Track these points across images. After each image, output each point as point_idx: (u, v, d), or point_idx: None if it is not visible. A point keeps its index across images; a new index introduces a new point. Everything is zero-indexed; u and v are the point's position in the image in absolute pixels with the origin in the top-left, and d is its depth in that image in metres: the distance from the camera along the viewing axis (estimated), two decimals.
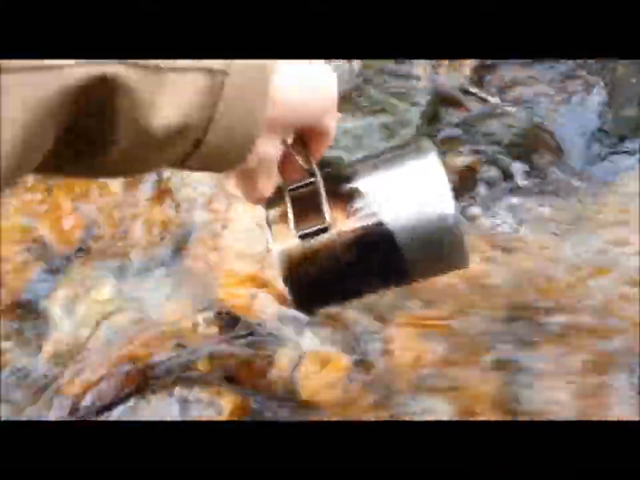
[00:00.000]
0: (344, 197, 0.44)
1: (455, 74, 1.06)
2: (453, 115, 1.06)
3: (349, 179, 0.44)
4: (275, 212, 0.45)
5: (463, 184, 0.98)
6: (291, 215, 0.43)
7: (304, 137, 0.41)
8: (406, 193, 0.44)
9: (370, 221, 0.43)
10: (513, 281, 0.90)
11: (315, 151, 0.42)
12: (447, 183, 0.43)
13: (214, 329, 0.95)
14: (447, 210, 0.43)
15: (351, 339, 0.93)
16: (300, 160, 0.42)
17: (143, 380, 0.89)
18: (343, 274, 0.44)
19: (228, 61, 0.31)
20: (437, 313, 0.93)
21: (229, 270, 0.99)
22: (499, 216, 0.94)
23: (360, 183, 0.44)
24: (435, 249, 0.44)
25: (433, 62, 1.06)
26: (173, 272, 1.01)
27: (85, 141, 0.30)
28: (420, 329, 0.91)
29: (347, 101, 1.05)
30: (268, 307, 0.95)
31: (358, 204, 0.44)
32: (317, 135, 0.41)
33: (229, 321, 0.96)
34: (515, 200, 0.96)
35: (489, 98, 1.06)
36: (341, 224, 0.43)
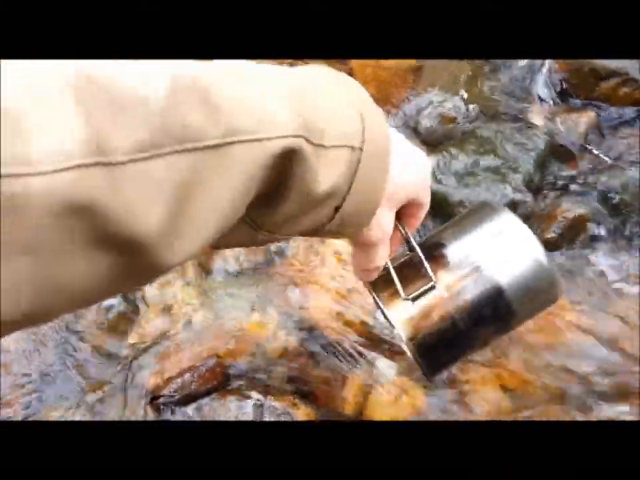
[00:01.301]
0: (438, 261, 0.47)
1: (574, 127, 1.04)
2: (563, 169, 1.04)
3: (438, 244, 0.48)
4: (379, 281, 0.48)
5: (571, 233, 0.96)
6: (397, 281, 0.46)
7: (403, 212, 0.45)
8: (501, 249, 0.47)
9: (479, 279, 0.46)
10: None
11: (412, 224, 0.47)
12: (529, 230, 0.47)
13: (295, 342, 0.96)
14: (539, 254, 0.46)
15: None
16: (402, 230, 0.46)
17: (224, 378, 0.91)
18: (459, 332, 0.47)
19: (362, 135, 0.36)
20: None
21: (320, 285, 1.00)
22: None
23: (452, 248, 0.48)
24: (537, 293, 0.47)
25: (553, 109, 1.06)
26: (264, 280, 1.04)
27: (260, 205, 0.35)
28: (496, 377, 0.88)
29: (460, 141, 1.06)
30: (351, 327, 0.95)
31: (458, 266, 0.47)
32: (416, 208, 0.45)
33: (310, 335, 0.97)
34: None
35: (604, 156, 1.03)
36: (446, 283, 0.46)
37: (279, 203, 0.35)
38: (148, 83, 0.29)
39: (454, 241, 0.48)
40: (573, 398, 0.82)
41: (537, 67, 1.11)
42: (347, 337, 0.96)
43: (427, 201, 0.46)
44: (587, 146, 1.04)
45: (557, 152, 1.04)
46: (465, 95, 1.11)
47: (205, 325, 0.99)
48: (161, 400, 0.89)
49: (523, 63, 1.11)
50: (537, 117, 1.06)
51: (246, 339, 0.97)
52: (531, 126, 1.05)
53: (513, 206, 0.98)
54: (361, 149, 0.36)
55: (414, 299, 0.46)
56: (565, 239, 0.97)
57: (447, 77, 1.15)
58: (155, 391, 0.90)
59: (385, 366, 0.94)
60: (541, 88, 1.10)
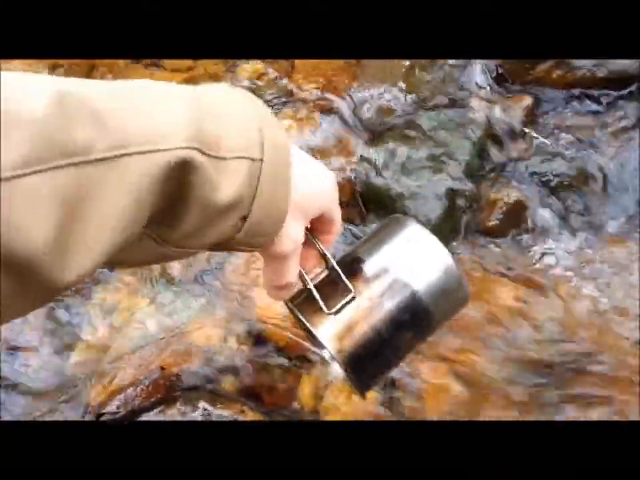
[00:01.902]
0: (357, 275, 0.49)
1: (510, 111, 1.04)
2: (502, 154, 1.04)
3: (354, 260, 0.50)
4: (299, 300, 0.49)
5: (513, 219, 0.96)
6: (318, 297, 0.48)
7: (315, 228, 0.47)
8: (413, 257, 0.50)
9: (395, 287, 0.48)
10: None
11: (326, 240, 0.48)
12: (436, 239, 0.50)
13: (244, 347, 0.95)
14: (448, 261, 0.50)
15: None
16: (318, 246, 0.48)
17: (170, 390, 0.89)
18: (384, 340, 0.48)
19: (261, 147, 0.38)
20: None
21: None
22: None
23: (367, 261, 0.50)
24: (449, 294, 0.50)
25: (490, 96, 1.06)
26: (210, 286, 1.02)
27: (161, 219, 0.35)
28: (448, 364, 0.89)
29: (399, 130, 1.05)
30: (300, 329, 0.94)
31: (375, 277, 0.49)
32: (329, 224, 0.47)
33: (260, 339, 0.95)
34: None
35: (543, 139, 1.04)
36: (365, 295, 0.48)
37: (181, 215, 0.35)
38: (32, 98, 0.29)
39: (369, 254, 0.50)
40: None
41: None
42: (297, 340, 0.96)
43: (337, 216, 0.47)
44: (525, 130, 1.04)
45: (495, 138, 1.04)
46: (404, 86, 1.10)
47: (150, 335, 0.97)
48: (105, 417, 0.87)
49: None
50: (474, 104, 1.06)
51: (192, 348, 0.95)
52: (468, 113, 1.05)
53: (453, 195, 0.98)
54: (261, 160, 0.37)
55: (336, 312, 0.47)
56: (506, 225, 0.97)
57: (385, 68, 1.14)
58: (99, 408, 0.88)
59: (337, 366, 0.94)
60: (477, 74, 1.09)
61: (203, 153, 0.34)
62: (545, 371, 0.85)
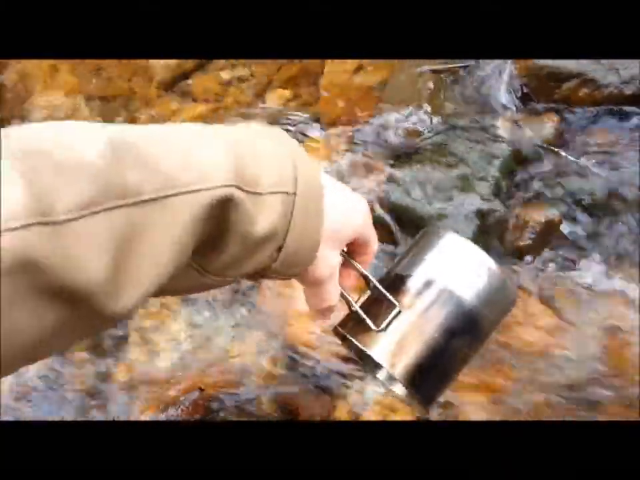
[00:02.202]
0: (399, 290, 0.49)
1: (538, 131, 1.05)
2: (530, 174, 1.05)
3: (395, 276, 0.51)
4: (347, 324, 0.50)
5: (545, 239, 0.96)
6: (364, 316, 0.48)
7: (352, 250, 0.49)
8: (454, 265, 0.50)
9: (441, 297, 0.49)
10: None
11: (364, 261, 0.50)
12: (474, 244, 0.50)
13: (279, 368, 0.97)
14: (490, 264, 0.49)
15: None
16: (356, 267, 0.50)
17: (208, 411, 0.91)
18: (439, 352, 0.48)
19: (295, 181, 0.40)
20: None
21: (300, 309, 1.01)
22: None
23: (409, 275, 0.50)
24: (495, 297, 0.50)
25: (516, 116, 1.07)
26: (246, 307, 1.04)
27: (204, 251, 0.38)
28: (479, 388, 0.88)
29: (426, 152, 1.07)
30: (336, 347, 0.95)
31: (419, 290, 0.49)
32: (364, 246, 0.49)
33: (294, 360, 0.97)
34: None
35: (570, 158, 1.04)
36: (412, 309, 0.48)
37: (222, 247, 0.38)
38: (85, 145, 0.32)
39: (409, 269, 0.50)
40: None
41: (497, 74, 1.12)
42: (333, 359, 0.97)
43: (373, 238, 0.49)
44: (553, 149, 1.05)
45: (523, 157, 1.05)
46: (429, 108, 1.12)
47: (187, 356, 0.99)
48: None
49: (483, 72, 1.12)
50: (500, 124, 1.07)
51: (229, 369, 0.97)
52: (495, 133, 1.06)
53: (483, 215, 0.99)
54: (295, 194, 0.40)
55: (385, 328, 0.47)
56: (538, 245, 0.97)
57: (410, 91, 1.16)
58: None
59: (373, 385, 0.94)
60: (502, 94, 1.11)
61: (242, 190, 0.37)
62: (576, 395, 0.84)
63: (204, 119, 1.37)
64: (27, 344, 0.31)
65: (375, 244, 0.49)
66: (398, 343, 0.48)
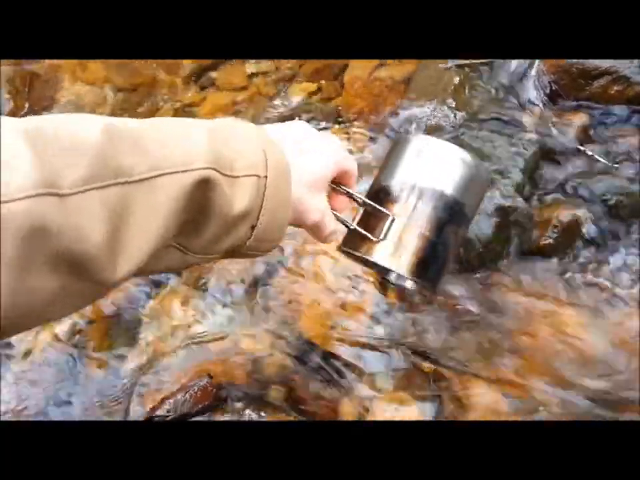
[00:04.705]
0: (387, 200, 0.56)
1: (566, 129, 1.02)
2: (556, 172, 1.02)
3: (379, 190, 0.57)
4: (349, 242, 0.57)
5: (568, 239, 0.94)
6: (363, 231, 0.55)
7: (338, 181, 0.56)
8: (430, 165, 0.55)
9: (424, 195, 0.55)
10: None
11: (350, 185, 0.57)
12: (443, 140, 0.57)
13: (290, 357, 0.96)
14: (463, 155, 0.56)
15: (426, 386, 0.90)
16: (345, 191, 0.56)
17: (217, 398, 0.91)
18: (435, 242, 0.55)
19: (266, 165, 0.46)
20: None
21: (313, 300, 1.00)
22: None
23: (391, 185, 0.56)
24: (473, 184, 0.56)
25: (544, 113, 1.04)
26: (259, 296, 1.04)
27: (186, 230, 0.42)
28: (500, 386, 0.86)
29: None
30: (346, 340, 0.94)
31: (404, 194, 0.55)
32: (347, 176, 0.56)
33: (305, 350, 0.96)
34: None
35: (598, 157, 1.01)
36: (403, 213, 0.55)
37: (203, 226, 0.43)
38: (86, 130, 0.36)
39: (390, 178, 0.57)
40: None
41: (525, 70, 1.09)
42: (343, 351, 0.95)
43: (351, 166, 0.56)
44: (580, 147, 1.02)
45: (549, 155, 1.02)
46: (453, 103, 1.10)
47: (198, 343, 0.99)
48: (156, 420, 0.89)
49: (511, 67, 1.10)
50: (527, 121, 1.05)
51: (239, 357, 0.96)
52: (521, 130, 1.04)
53: (505, 212, 0.96)
54: (266, 177, 0.46)
55: (384, 237, 0.54)
56: (560, 244, 0.94)
57: (435, 86, 1.15)
58: (151, 411, 0.91)
59: (383, 381, 0.93)
60: (530, 91, 1.08)
61: (220, 173, 0.42)
62: (597, 398, 0.82)
63: (227, 109, 1.37)
64: (39, 305, 0.35)
65: (354, 171, 0.56)
66: (397, 245, 0.54)
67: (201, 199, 0.41)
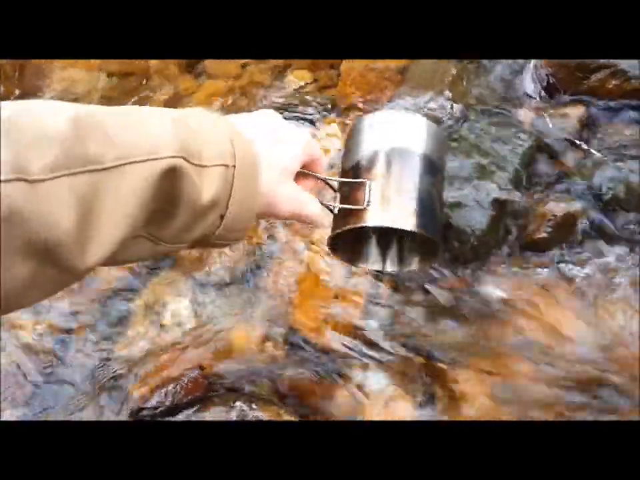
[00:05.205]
0: (360, 172, 0.58)
1: (562, 122, 1.01)
2: (552, 165, 1.02)
3: (350, 168, 0.60)
4: (339, 224, 0.58)
5: (562, 233, 0.93)
6: (349, 206, 0.57)
7: (307, 167, 0.57)
8: (394, 131, 0.59)
9: (396, 157, 0.58)
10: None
11: (319, 170, 0.59)
12: (408, 111, 0.64)
13: (282, 350, 0.95)
14: (411, 115, 0.64)
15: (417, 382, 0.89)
16: (317, 176, 0.58)
17: (208, 390, 0.90)
18: (420, 196, 0.57)
19: (233, 155, 0.46)
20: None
21: (305, 292, 0.99)
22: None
23: (360, 159, 0.59)
24: (436, 143, 0.61)
25: (541, 106, 1.03)
26: (251, 289, 1.03)
27: (156, 219, 0.42)
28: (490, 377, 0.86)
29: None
30: (339, 331, 0.94)
31: (375, 164, 0.58)
32: (315, 162, 0.58)
33: (297, 343, 0.95)
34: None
35: (595, 152, 1.00)
36: (379, 179, 0.57)
37: (172, 215, 0.43)
38: (54, 118, 0.37)
39: (357, 156, 0.59)
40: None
41: (522, 63, 1.08)
42: (336, 343, 0.95)
43: (317, 153, 0.57)
44: (577, 141, 1.01)
45: (546, 149, 1.01)
46: (450, 95, 1.09)
47: (190, 334, 0.98)
48: (145, 412, 0.88)
49: (508, 60, 1.09)
50: (524, 114, 1.04)
51: (231, 349, 0.96)
52: (517, 123, 1.03)
53: (500, 205, 0.96)
54: (234, 167, 0.46)
55: (369, 202, 0.56)
56: (555, 239, 0.94)
57: (432, 77, 1.13)
58: (139, 402, 0.90)
59: (375, 373, 0.92)
60: (527, 84, 1.07)
61: (188, 162, 0.42)
62: (586, 390, 0.82)
63: (220, 97, 1.36)
64: (11, 291, 0.35)
65: (321, 157, 0.58)
66: (384, 204, 0.56)
67: (169, 188, 0.41)
